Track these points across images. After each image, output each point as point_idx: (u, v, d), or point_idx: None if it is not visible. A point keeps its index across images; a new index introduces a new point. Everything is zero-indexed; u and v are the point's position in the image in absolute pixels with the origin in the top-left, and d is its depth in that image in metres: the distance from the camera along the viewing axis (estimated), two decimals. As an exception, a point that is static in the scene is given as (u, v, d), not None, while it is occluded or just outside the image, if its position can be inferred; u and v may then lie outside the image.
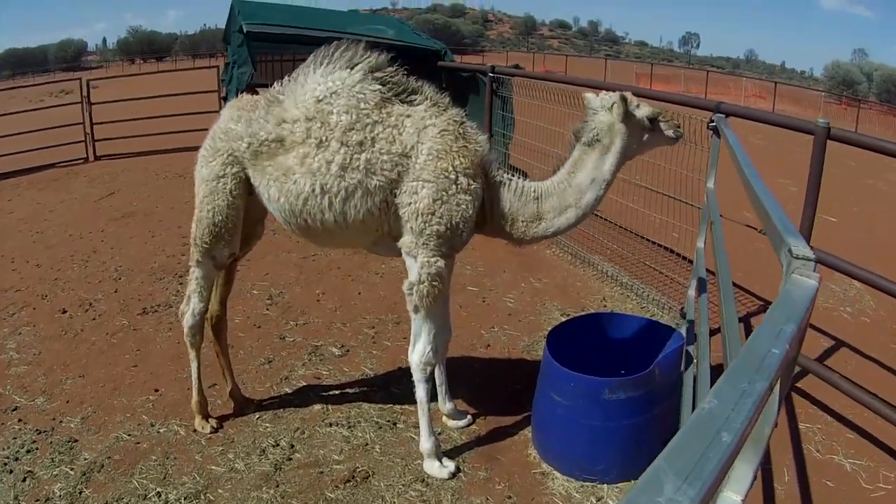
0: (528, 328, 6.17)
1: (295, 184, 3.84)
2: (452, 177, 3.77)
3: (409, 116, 3.86)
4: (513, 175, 4.13)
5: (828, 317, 6.50)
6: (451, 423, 4.65)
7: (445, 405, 4.65)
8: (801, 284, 1.53)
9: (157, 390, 5.11)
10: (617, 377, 4.00)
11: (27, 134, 13.96)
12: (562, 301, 6.81)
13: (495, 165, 4.08)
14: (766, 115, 5.95)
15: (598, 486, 4.04)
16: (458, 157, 3.79)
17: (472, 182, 3.83)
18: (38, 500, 3.92)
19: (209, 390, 4.90)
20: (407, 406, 4.73)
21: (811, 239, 4.48)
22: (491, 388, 5.12)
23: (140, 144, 14.55)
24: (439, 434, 4.42)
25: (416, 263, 3.89)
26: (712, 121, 5.44)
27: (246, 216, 4.30)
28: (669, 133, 3.96)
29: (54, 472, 4.16)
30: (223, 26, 12.76)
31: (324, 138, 3.78)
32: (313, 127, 3.80)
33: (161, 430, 4.60)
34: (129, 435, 4.54)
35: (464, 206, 3.82)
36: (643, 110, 3.91)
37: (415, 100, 3.94)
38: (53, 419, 4.75)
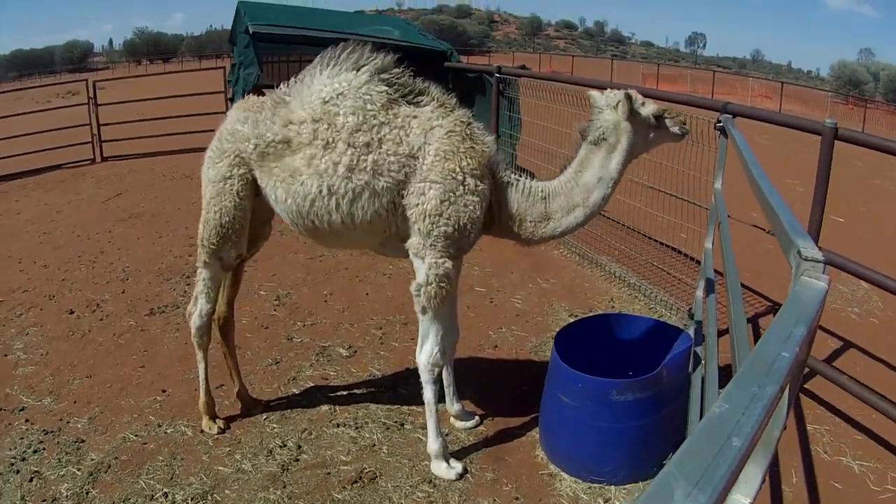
0: (535, 329, 6.16)
1: (302, 185, 3.84)
2: (460, 178, 3.76)
3: (415, 117, 3.85)
4: (520, 175, 4.12)
5: (836, 317, 6.48)
6: (459, 424, 4.65)
7: (453, 406, 4.64)
8: (811, 286, 1.53)
9: (164, 391, 5.11)
10: (625, 378, 3.99)
11: (34, 135, 13.98)
12: (569, 302, 6.80)
13: (502, 166, 4.06)
14: (774, 115, 5.93)
15: (606, 487, 4.03)
16: (466, 158, 3.78)
17: (479, 183, 3.83)
18: (44, 501, 3.93)
19: (216, 391, 4.90)
20: (414, 407, 4.72)
21: (819, 239, 4.46)
22: (498, 389, 5.12)
23: (147, 145, 14.56)
24: (447, 435, 4.42)
25: (424, 265, 3.89)
26: (719, 121, 5.42)
27: (253, 217, 4.30)
28: (675, 130, 3.95)
29: (61, 473, 4.17)
30: (229, 27, 12.79)
31: (330, 140, 3.78)
32: (320, 128, 3.80)
33: (168, 431, 4.60)
34: (136, 435, 4.54)
35: (471, 207, 3.81)
36: (648, 108, 3.90)
37: (421, 101, 3.93)
38: (60, 419, 4.76)
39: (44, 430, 4.62)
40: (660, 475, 0.87)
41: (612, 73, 41.33)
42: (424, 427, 4.27)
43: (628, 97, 3.82)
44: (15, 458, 4.33)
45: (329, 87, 3.88)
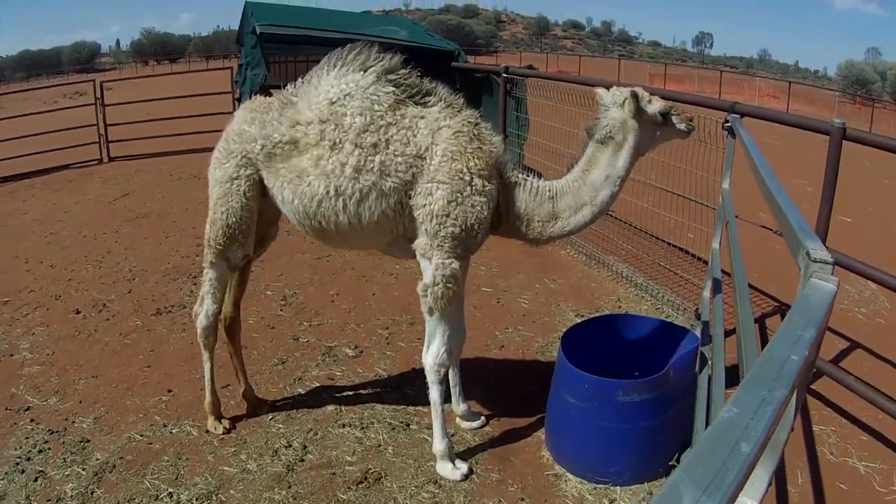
0: (542, 329, 6.14)
1: (309, 186, 3.83)
2: (467, 178, 3.75)
3: (423, 118, 3.84)
4: (527, 175, 4.11)
5: (843, 318, 6.45)
6: (465, 424, 4.64)
7: (459, 406, 4.63)
8: (820, 288, 1.51)
9: (170, 391, 5.11)
10: (631, 379, 3.97)
11: (41, 135, 14.04)
12: (576, 302, 6.78)
13: (510, 166, 4.05)
14: (782, 115, 5.91)
15: (611, 488, 4.01)
16: (473, 158, 3.77)
17: (486, 183, 3.81)
18: (49, 500, 3.93)
19: (222, 391, 4.91)
20: (420, 407, 4.72)
21: (826, 239, 4.44)
22: (505, 390, 5.10)
23: (154, 145, 14.59)
24: (452, 435, 4.40)
25: (431, 265, 3.88)
26: (727, 121, 5.40)
27: (260, 218, 4.29)
28: (681, 127, 3.92)
29: (66, 473, 4.17)
30: (236, 28, 12.78)
31: (338, 140, 3.77)
32: (327, 129, 3.79)
33: (174, 431, 4.60)
34: (141, 435, 4.54)
35: (478, 208, 3.80)
36: (655, 105, 3.87)
37: (429, 101, 3.92)
38: (66, 419, 4.76)
39: (49, 430, 4.62)
40: (669, 481, 0.86)
41: (620, 73, 41.34)
42: (430, 427, 4.25)
43: (635, 95, 3.80)
44: (20, 457, 4.34)
45: (336, 88, 3.87)
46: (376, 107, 3.80)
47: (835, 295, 1.50)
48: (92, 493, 3.99)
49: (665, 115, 3.87)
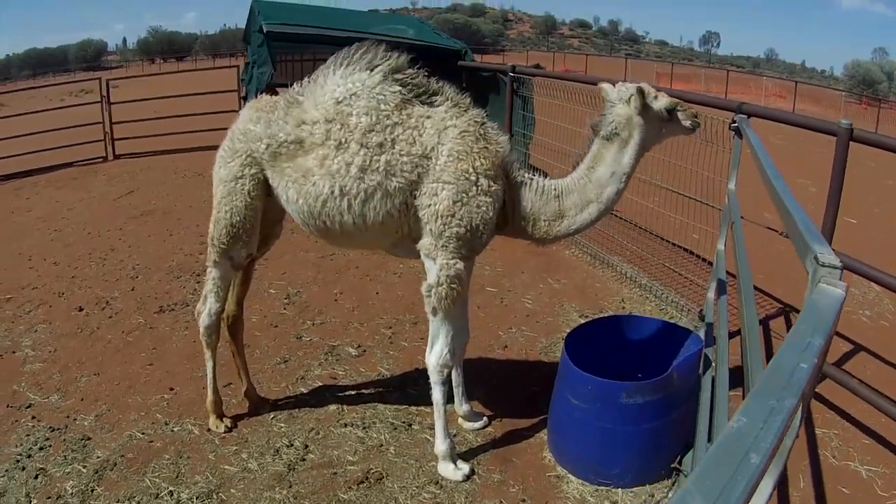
0: (545, 329, 6.12)
1: (314, 185, 3.81)
2: (473, 178, 3.73)
3: (429, 118, 3.82)
4: (533, 174, 4.08)
5: (846, 320, 6.41)
6: (467, 424, 4.62)
7: (462, 407, 4.61)
8: (828, 294, 1.49)
9: (171, 389, 5.10)
10: (635, 381, 3.95)
11: (47, 133, 14.04)
12: (580, 302, 6.76)
13: (516, 166, 4.03)
14: (789, 115, 5.88)
15: (613, 490, 4.00)
16: (479, 158, 3.75)
17: (492, 184, 3.79)
18: (49, 498, 3.92)
19: (224, 389, 4.89)
20: (423, 407, 4.70)
21: (832, 241, 4.41)
22: (508, 390, 5.09)
23: (159, 143, 14.61)
24: (455, 436, 4.39)
25: (435, 265, 3.86)
26: (734, 121, 5.37)
27: (264, 217, 4.28)
28: (687, 124, 3.89)
29: (67, 470, 4.16)
30: (243, 26, 12.79)
31: (343, 140, 3.75)
32: (333, 129, 3.78)
33: (175, 429, 4.59)
34: (142, 433, 4.53)
35: (484, 208, 3.78)
36: (661, 101, 3.85)
37: (435, 101, 3.90)
38: (67, 417, 4.75)
39: (50, 428, 4.61)
40: (678, 493, 0.85)
41: (626, 72, 41.23)
42: (432, 428, 4.23)
43: (641, 91, 3.78)
44: (21, 455, 4.33)
45: (342, 88, 3.85)
46: (382, 106, 3.78)
47: (843, 301, 1.47)
48: (92, 490, 3.98)
49: (671, 111, 3.85)
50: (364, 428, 4.57)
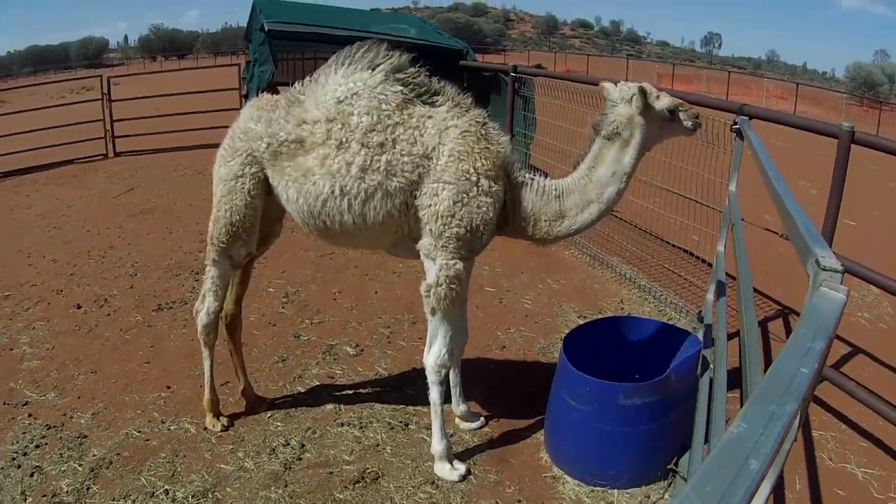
0: (544, 330, 6.11)
1: (314, 185, 3.80)
2: (473, 179, 3.71)
3: (430, 117, 3.81)
4: (534, 175, 4.07)
5: (845, 322, 6.32)
6: (464, 425, 4.61)
7: (459, 407, 4.60)
8: (829, 298, 1.48)
9: (169, 387, 5.09)
10: (632, 382, 3.94)
11: (47, 130, 14.01)
12: (579, 303, 6.75)
13: (517, 166, 4.01)
14: (791, 118, 5.86)
15: (609, 490, 3.99)
16: (480, 158, 3.74)
17: (493, 184, 3.78)
18: (45, 496, 3.91)
19: (221, 388, 4.89)
20: (420, 407, 4.69)
21: (832, 244, 4.40)
22: (505, 390, 5.07)
23: (160, 141, 14.62)
24: (451, 436, 4.38)
25: (435, 266, 3.84)
26: (735, 123, 5.35)
27: (264, 216, 4.27)
28: (688, 124, 3.89)
29: (62, 468, 4.16)
30: (245, 24, 12.78)
31: (344, 139, 3.74)
32: (334, 128, 3.76)
33: (171, 428, 4.57)
34: (139, 431, 4.52)
35: (484, 209, 3.76)
36: (663, 101, 3.84)
37: (437, 101, 3.89)
38: (64, 414, 4.74)
39: (47, 425, 4.60)
40: (678, 498, 0.83)
41: (628, 73, 41.23)
42: (429, 427, 4.22)
43: (642, 91, 3.76)
44: (17, 452, 4.32)
45: (344, 87, 3.84)
46: (384, 106, 3.77)
47: (844, 304, 1.46)
48: (88, 489, 3.97)
49: (673, 111, 3.84)
50: (361, 427, 4.56)
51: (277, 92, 4.37)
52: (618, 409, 3.88)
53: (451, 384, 4.53)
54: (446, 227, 3.73)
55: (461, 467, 4.11)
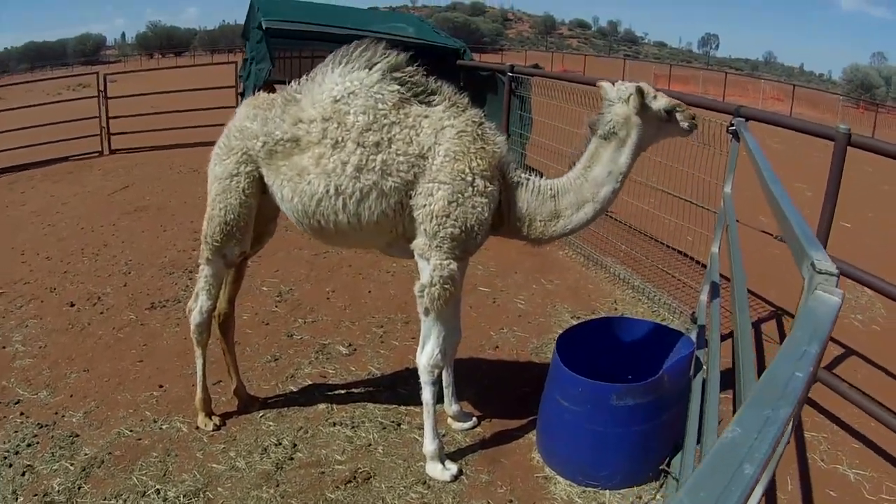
0: (537, 330, 6.10)
1: (309, 184, 3.79)
2: (469, 179, 3.70)
3: (426, 117, 3.79)
4: (529, 175, 4.05)
5: (838, 324, 6.31)
6: (456, 425, 4.59)
7: (451, 407, 4.59)
8: (825, 301, 1.46)
9: (161, 386, 5.07)
10: (625, 383, 3.93)
11: (43, 127, 13.95)
12: (573, 303, 6.74)
13: (513, 166, 4.00)
14: (787, 119, 5.84)
15: (601, 491, 3.99)
16: (476, 158, 3.73)
17: (488, 184, 3.77)
18: (36, 495, 3.89)
19: (214, 387, 4.87)
20: (412, 407, 4.68)
21: (827, 246, 4.39)
22: (498, 390, 5.07)
23: (155, 139, 14.60)
24: (444, 436, 4.37)
25: (429, 266, 3.83)
26: (732, 124, 5.34)
27: (258, 215, 4.25)
28: (685, 125, 3.87)
29: (54, 467, 4.13)
30: (242, 22, 12.76)
31: (340, 139, 3.72)
32: (330, 127, 3.75)
33: (163, 427, 4.55)
34: (130, 431, 4.50)
35: (479, 209, 3.75)
36: (660, 102, 3.82)
37: (433, 100, 3.87)
38: (56, 413, 4.72)
39: (38, 424, 4.58)
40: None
41: (625, 73, 41.22)
42: (421, 427, 4.21)
43: (640, 91, 3.74)
44: (8, 451, 4.29)
45: (340, 86, 3.83)
46: (380, 105, 3.75)
47: (839, 308, 1.45)
48: (79, 488, 3.94)
49: (669, 112, 3.82)
50: (353, 427, 4.54)
51: (274, 90, 4.35)
52: (610, 410, 3.87)
53: (444, 384, 4.52)
54: (441, 227, 3.72)
55: (453, 467, 4.10)
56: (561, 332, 4.59)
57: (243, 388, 4.78)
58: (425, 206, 3.72)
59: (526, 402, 4.74)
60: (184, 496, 3.86)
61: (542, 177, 4.08)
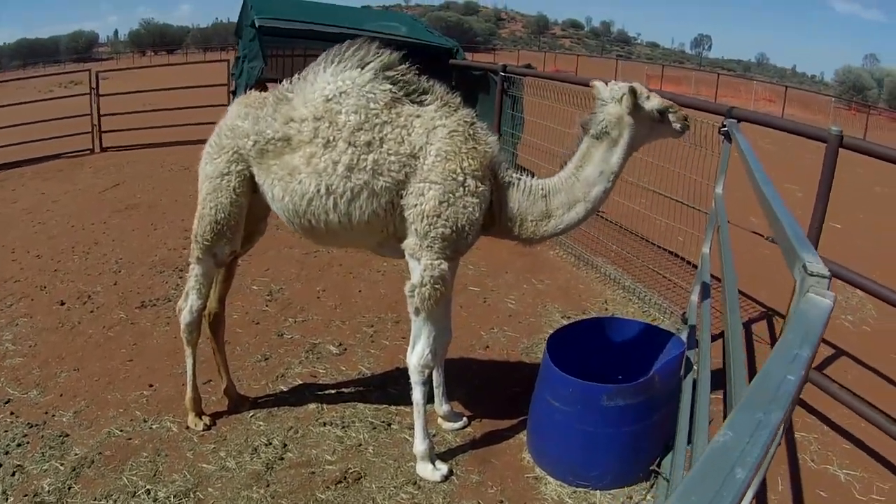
0: (527, 330, 6.10)
1: (300, 184, 3.78)
2: (460, 179, 3.70)
3: (418, 117, 3.79)
4: (521, 174, 4.05)
5: (829, 325, 6.36)
6: (447, 425, 4.59)
7: (442, 407, 4.59)
8: (816, 304, 1.46)
9: (151, 385, 5.04)
10: (616, 383, 3.93)
11: (34, 124, 13.90)
12: (563, 303, 6.74)
13: (504, 166, 4.00)
14: (779, 121, 5.84)
15: (591, 491, 3.99)
16: (467, 158, 3.72)
17: (479, 184, 3.76)
18: (26, 496, 3.86)
19: (204, 387, 4.84)
20: (403, 407, 4.66)
21: (818, 248, 4.40)
22: (489, 391, 5.06)
23: (147, 136, 14.53)
24: (434, 436, 4.36)
25: (420, 266, 3.83)
26: (724, 125, 5.35)
27: (249, 214, 4.24)
28: (677, 126, 3.87)
29: (44, 467, 4.11)
30: (235, 20, 12.72)
31: (331, 138, 3.71)
32: (321, 126, 3.74)
33: (153, 427, 4.53)
34: (121, 430, 4.48)
35: (470, 209, 3.75)
36: (653, 102, 3.82)
37: (425, 100, 3.87)
38: (46, 413, 4.69)
39: (28, 424, 4.55)
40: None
41: (617, 74, 41.30)
42: (412, 427, 4.21)
43: (633, 91, 3.74)
44: (-2, 451, 4.27)
45: (332, 85, 3.82)
46: (372, 105, 3.75)
47: (831, 310, 1.45)
48: (69, 488, 3.92)
49: (662, 112, 3.82)
50: (343, 427, 4.53)
51: (266, 89, 4.33)
52: (601, 411, 3.87)
53: (434, 384, 4.51)
54: (432, 226, 3.71)
55: (443, 467, 4.09)
56: (551, 332, 4.58)
57: (233, 388, 4.77)
58: (416, 205, 3.72)
59: (516, 402, 4.73)
60: (174, 496, 3.84)
61: (533, 177, 4.08)
